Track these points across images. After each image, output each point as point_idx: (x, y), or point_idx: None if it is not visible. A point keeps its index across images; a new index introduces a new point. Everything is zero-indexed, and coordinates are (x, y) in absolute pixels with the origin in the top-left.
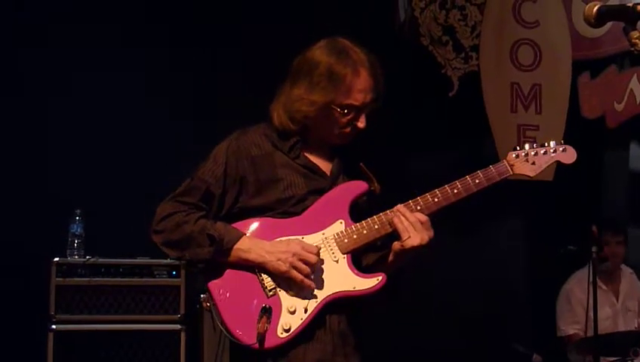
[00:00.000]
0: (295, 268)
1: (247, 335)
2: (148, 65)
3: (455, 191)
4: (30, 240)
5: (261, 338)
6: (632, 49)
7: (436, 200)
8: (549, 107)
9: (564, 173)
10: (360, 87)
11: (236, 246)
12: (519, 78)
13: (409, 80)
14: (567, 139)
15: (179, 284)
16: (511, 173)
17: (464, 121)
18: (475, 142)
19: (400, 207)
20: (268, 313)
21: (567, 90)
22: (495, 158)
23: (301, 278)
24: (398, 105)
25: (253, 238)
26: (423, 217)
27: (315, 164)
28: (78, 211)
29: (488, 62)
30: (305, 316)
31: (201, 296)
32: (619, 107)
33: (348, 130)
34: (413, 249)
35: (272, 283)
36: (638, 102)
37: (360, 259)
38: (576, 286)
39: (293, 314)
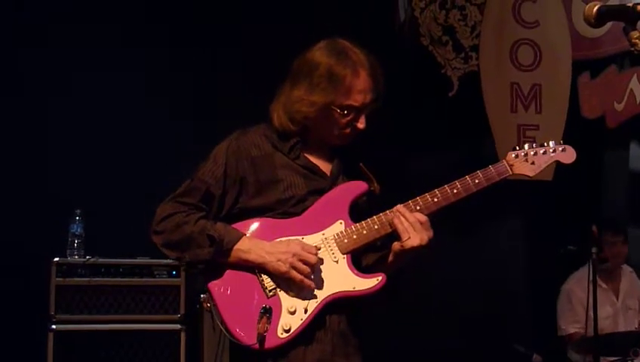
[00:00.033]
0: (295, 268)
1: (247, 336)
2: (148, 65)
3: (455, 191)
4: (30, 240)
5: (261, 338)
6: (632, 49)
7: (436, 200)
8: (549, 107)
9: (564, 173)
10: (360, 87)
11: (236, 247)
12: (519, 78)
13: (409, 80)
14: (567, 139)
15: (179, 284)
16: (510, 173)
17: (464, 121)
18: (474, 142)
19: (400, 207)
20: (268, 313)
21: (567, 90)
22: (495, 158)
23: (301, 278)
24: (398, 106)
25: (253, 239)
26: (423, 217)
27: (315, 164)
28: (78, 211)
29: (488, 62)
30: (305, 316)
31: (201, 296)
32: (619, 107)
33: (348, 130)
34: (413, 249)
35: (272, 283)
36: (638, 102)
37: (360, 259)
38: (577, 285)
39: (293, 314)
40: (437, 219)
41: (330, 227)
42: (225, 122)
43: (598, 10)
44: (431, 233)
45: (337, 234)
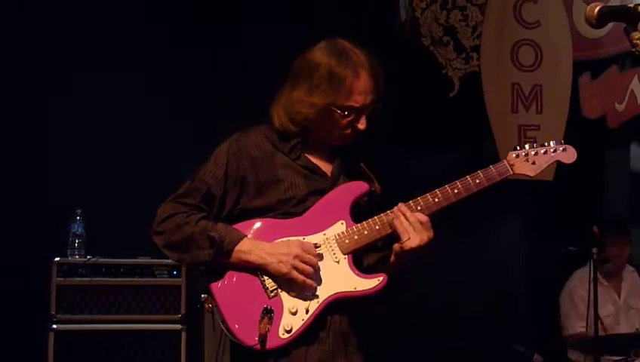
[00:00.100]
0: (296, 269)
1: (248, 336)
2: (148, 65)
3: (455, 191)
4: (31, 240)
5: (263, 339)
6: (633, 50)
7: (436, 200)
8: (550, 107)
9: (565, 173)
10: (360, 88)
11: (237, 248)
12: (520, 78)
13: (410, 80)
14: (568, 139)
15: (179, 284)
16: (511, 172)
17: (465, 121)
18: (475, 143)
19: (401, 205)
20: (269, 314)
21: (568, 90)
22: (495, 158)
23: (303, 279)
24: (399, 106)
25: (254, 240)
26: (423, 217)
27: (315, 164)
28: (78, 211)
29: (489, 63)
30: (306, 316)
31: (202, 295)
32: (620, 107)
33: (348, 131)
34: (413, 250)
35: (273, 284)
36: (638, 103)
37: (361, 259)
38: (579, 284)
39: (294, 314)
40: (437, 219)
41: (332, 227)
42: (225, 122)
43: (599, 10)
44: (431, 233)
45: (338, 235)
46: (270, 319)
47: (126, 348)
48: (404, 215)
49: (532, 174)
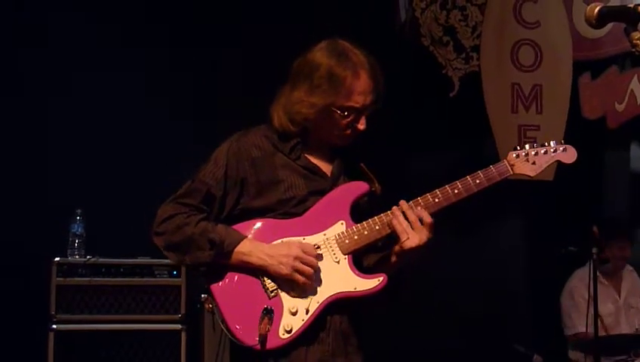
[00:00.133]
0: (297, 271)
1: (249, 336)
2: (148, 65)
3: (456, 191)
4: (31, 240)
5: (263, 339)
6: (633, 50)
7: (437, 200)
8: (550, 107)
9: (565, 174)
10: (360, 89)
11: (237, 250)
12: (520, 78)
13: (410, 80)
14: (568, 139)
15: (179, 284)
16: (511, 172)
17: (465, 121)
18: (475, 143)
19: (402, 203)
20: (269, 314)
21: (568, 90)
22: (496, 158)
23: (304, 281)
24: (399, 106)
25: (254, 241)
26: (428, 218)
27: (315, 165)
28: (78, 211)
29: (489, 63)
30: (306, 317)
31: (202, 295)
32: (620, 108)
33: (348, 132)
34: (412, 250)
35: (273, 284)
36: (638, 103)
37: (361, 260)
38: (580, 283)
39: (294, 315)
40: (437, 219)
41: (332, 227)
42: (225, 122)
43: (599, 11)
44: (430, 233)
45: (338, 235)
46: (270, 319)
47: (126, 348)
48: (404, 213)
49: (532, 174)
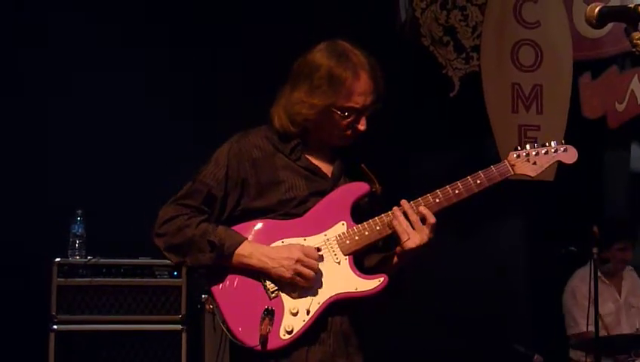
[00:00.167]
0: (299, 274)
1: (250, 337)
2: (148, 65)
3: (456, 191)
4: (31, 240)
5: (264, 340)
6: (634, 50)
7: (437, 200)
8: (550, 107)
9: (565, 174)
10: (360, 90)
11: (237, 252)
12: (520, 78)
13: (410, 80)
14: (568, 139)
15: (180, 284)
16: (512, 173)
17: (465, 121)
18: (476, 143)
19: (403, 202)
20: (270, 315)
21: (568, 90)
22: (496, 159)
23: (305, 284)
24: (399, 106)
25: (254, 243)
26: (432, 218)
27: (316, 165)
28: (79, 211)
29: (489, 63)
30: (307, 317)
31: (203, 296)
32: (620, 107)
33: (349, 132)
34: (413, 250)
35: (274, 285)
36: (639, 103)
37: (362, 260)
38: (581, 283)
39: (295, 315)
40: (438, 219)
41: (332, 228)
42: (225, 122)
43: (599, 11)
44: (431, 233)
45: (339, 235)
46: (271, 320)
47: (127, 349)
48: (406, 213)
49: (533, 174)
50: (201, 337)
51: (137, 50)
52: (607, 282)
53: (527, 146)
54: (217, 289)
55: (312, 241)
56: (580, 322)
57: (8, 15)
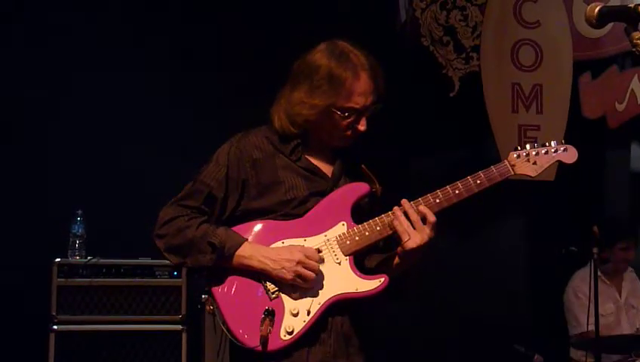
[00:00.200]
0: (300, 275)
1: (250, 338)
2: (148, 65)
3: (457, 191)
4: (31, 240)
5: (264, 340)
6: (634, 49)
7: (438, 200)
8: (550, 107)
9: (565, 174)
10: (360, 90)
11: (237, 253)
12: (520, 78)
13: (410, 80)
14: (568, 139)
15: (180, 285)
16: (512, 173)
17: (465, 121)
18: (476, 143)
19: (404, 201)
20: (271, 316)
21: (568, 90)
22: (496, 159)
23: (306, 286)
24: (399, 106)
25: (255, 244)
26: (432, 217)
27: (316, 166)
28: (79, 212)
29: (489, 63)
30: (308, 318)
31: (203, 296)
32: (620, 107)
33: (349, 132)
34: (414, 250)
35: (274, 286)
36: (639, 103)
37: (363, 262)
38: (582, 282)
39: (296, 316)
40: (438, 219)
41: (333, 228)
42: (225, 123)
43: (599, 10)
44: (432, 232)
45: (340, 236)
46: (272, 321)
47: (127, 349)
48: (406, 212)
49: (533, 174)
50: (201, 337)
51: (137, 50)
52: (607, 282)
53: (527, 146)
54: (218, 290)
55: (313, 242)
56: (583, 322)
57: (8, 15)
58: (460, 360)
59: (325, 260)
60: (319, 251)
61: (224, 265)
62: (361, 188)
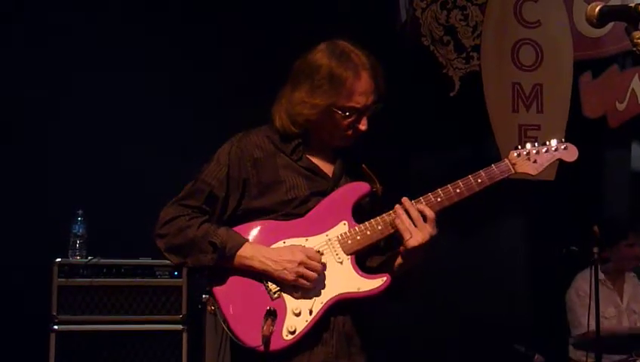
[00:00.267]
0: (302, 276)
1: (252, 338)
2: (148, 65)
3: (457, 190)
4: (32, 240)
5: (266, 340)
6: (634, 49)
7: (439, 199)
8: (551, 107)
9: (566, 173)
10: (361, 89)
11: (239, 253)
12: (520, 77)
13: (410, 80)
14: (569, 138)
15: (181, 285)
16: (513, 171)
17: (465, 120)
18: (476, 142)
19: (404, 199)
20: (273, 315)
21: (569, 89)
22: (496, 158)
23: (308, 286)
24: (400, 106)
25: (256, 245)
26: (431, 213)
27: (317, 165)
28: (79, 212)
29: (489, 62)
30: (310, 318)
31: (203, 296)
32: (620, 107)
33: (349, 132)
34: (416, 248)
35: (276, 286)
36: (639, 102)
37: (364, 262)
38: (584, 283)
39: (298, 316)
40: (439, 218)
41: (334, 228)
42: (226, 122)
43: (600, 10)
44: (434, 229)
45: (341, 235)
46: (273, 320)
47: (127, 349)
48: (407, 210)
49: (534, 173)
50: (201, 337)
51: (137, 50)
52: (610, 287)
53: (528, 145)
54: (219, 290)
55: (314, 241)
56: (584, 323)
57: (8, 15)
58: (460, 360)
59: (327, 260)
60: (320, 252)
61: (225, 265)
62: (361, 187)
